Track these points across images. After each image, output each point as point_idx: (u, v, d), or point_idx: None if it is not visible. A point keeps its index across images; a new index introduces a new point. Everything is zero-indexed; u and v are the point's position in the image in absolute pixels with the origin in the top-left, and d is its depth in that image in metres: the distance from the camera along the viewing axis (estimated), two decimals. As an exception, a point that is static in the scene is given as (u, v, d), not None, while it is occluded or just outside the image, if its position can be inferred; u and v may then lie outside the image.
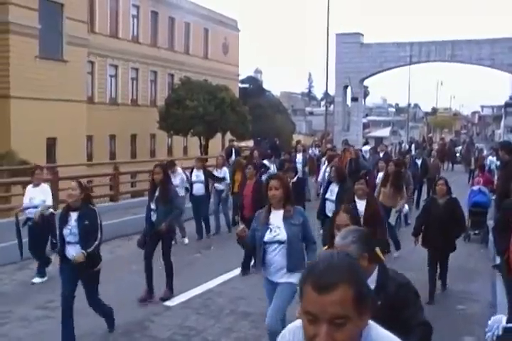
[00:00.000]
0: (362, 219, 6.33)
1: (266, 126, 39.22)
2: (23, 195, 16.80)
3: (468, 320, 6.95)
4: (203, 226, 12.16)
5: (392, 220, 10.16)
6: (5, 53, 25.17)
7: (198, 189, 12.11)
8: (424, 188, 17.44)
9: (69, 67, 27.81)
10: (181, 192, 11.27)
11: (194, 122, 30.64)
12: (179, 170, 12.09)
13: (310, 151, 22.29)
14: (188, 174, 12.63)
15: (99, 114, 31.01)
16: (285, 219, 5.16)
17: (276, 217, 5.20)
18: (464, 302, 7.36)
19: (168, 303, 7.25)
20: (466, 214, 10.61)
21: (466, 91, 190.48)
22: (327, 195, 9.06)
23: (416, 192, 16.62)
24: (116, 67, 34.63)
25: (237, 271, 9.06)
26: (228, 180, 12.68)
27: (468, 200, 12.11)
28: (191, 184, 12.25)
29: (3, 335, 6.09)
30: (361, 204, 7.36)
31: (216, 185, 12.88)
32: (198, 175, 12.36)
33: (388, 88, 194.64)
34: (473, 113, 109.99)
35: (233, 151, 18.69)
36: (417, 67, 45.04)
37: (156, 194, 7.78)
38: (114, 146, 33.99)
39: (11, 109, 25.25)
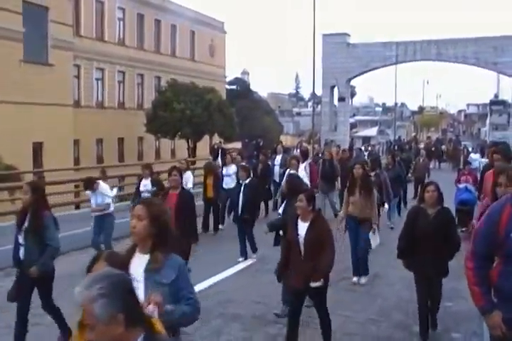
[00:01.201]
0: (303, 247, 5.62)
1: (253, 127, 39.28)
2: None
3: (456, 317, 6.99)
4: None
5: (373, 241, 8.55)
6: (-10, 57, 24.96)
7: None
8: (411, 188, 17.32)
9: (55, 70, 27.64)
10: None
11: (181, 124, 30.59)
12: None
13: (294, 152, 21.80)
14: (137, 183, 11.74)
15: (86, 117, 30.86)
16: (147, 271, 3.32)
17: (137, 265, 3.35)
18: (452, 299, 7.39)
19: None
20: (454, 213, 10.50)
21: (452, 89, 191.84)
22: (279, 210, 8.05)
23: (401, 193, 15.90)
24: (102, 70, 34.50)
25: (225, 273, 9.06)
26: (189, 186, 11.93)
27: (454, 198, 12.20)
28: (139, 194, 11.00)
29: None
30: (303, 227, 5.69)
31: None
32: (145, 184, 10.94)
33: (375, 88, 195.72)
34: (459, 111, 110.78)
35: (219, 152, 18.65)
36: (404, 67, 45.33)
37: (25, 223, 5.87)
38: (101, 150, 33.84)
39: (-4, 113, 25.01)
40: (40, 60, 27.28)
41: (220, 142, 23.09)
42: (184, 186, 10.86)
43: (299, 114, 76.45)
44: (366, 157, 20.64)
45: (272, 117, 48.73)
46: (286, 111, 76.25)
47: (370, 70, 40.75)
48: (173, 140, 34.64)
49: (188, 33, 42.58)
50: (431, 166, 30.28)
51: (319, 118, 39.56)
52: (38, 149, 27.11)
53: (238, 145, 36.10)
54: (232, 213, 10.63)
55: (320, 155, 18.50)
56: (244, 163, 14.04)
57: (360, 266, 8.64)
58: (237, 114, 34.19)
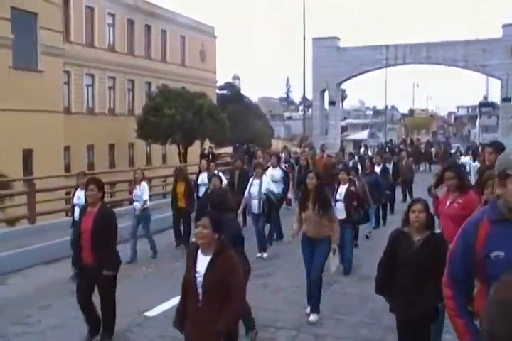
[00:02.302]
0: (201, 289, 4.13)
1: (245, 131, 39.34)
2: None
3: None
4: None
5: (333, 264, 7.57)
6: (-22, 64, 24.90)
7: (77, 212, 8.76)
8: (398, 192, 17.24)
9: (44, 77, 27.57)
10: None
11: (172, 130, 30.57)
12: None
13: (282, 156, 20.10)
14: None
15: (77, 124, 30.77)
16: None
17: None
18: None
19: (148, 314, 7.20)
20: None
21: (443, 92, 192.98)
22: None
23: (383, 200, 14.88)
24: (92, 76, 34.45)
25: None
26: (145, 198, 10.81)
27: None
28: (73, 206, 9.68)
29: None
30: (203, 261, 4.27)
31: (135, 204, 10.93)
32: (79, 196, 9.17)
33: (365, 91, 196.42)
34: (450, 113, 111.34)
35: (210, 157, 18.66)
36: (394, 70, 45.47)
37: None
38: (92, 156, 33.75)
39: (-15, 120, 24.94)
40: (30, 66, 27.20)
41: (211, 147, 23.04)
42: (136, 199, 10.83)
43: (290, 118, 76.66)
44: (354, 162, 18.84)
45: (263, 121, 48.81)
46: (277, 116, 76.40)
47: (360, 74, 40.98)
48: (164, 145, 34.60)
49: (178, 38, 42.60)
50: (421, 169, 30.47)
51: (310, 122, 39.71)
52: (28, 156, 26.98)
53: (229, 149, 36.12)
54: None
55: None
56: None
57: (312, 297, 7.08)
58: (228, 119, 34.21)
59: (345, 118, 67.47)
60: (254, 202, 10.80)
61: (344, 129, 56.84)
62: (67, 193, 17.21)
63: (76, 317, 5.50)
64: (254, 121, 44.17)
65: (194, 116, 30.90)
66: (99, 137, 32.80)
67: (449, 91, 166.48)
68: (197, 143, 33.85)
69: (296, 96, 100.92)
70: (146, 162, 36.68)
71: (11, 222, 14.85)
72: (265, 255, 10.60)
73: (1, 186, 18.29)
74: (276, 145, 42.55)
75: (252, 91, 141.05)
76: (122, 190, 17.88)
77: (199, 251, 4.24)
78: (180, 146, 33.07)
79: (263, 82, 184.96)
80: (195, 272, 4.17)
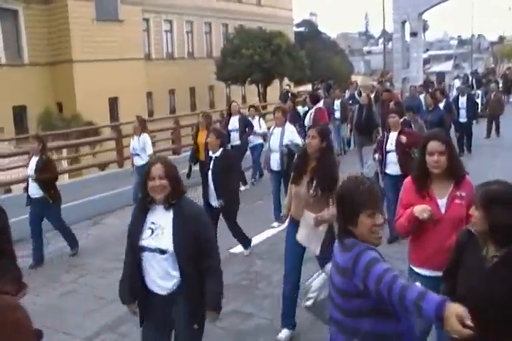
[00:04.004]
0: None
1: (323, 69, 38.57)
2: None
3: None
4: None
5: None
6: (65, 19, 25.90)
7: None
8: (479, 130, 15.50)
9: (125, 26, 28.14)
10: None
11: (251, 70, 30.57)
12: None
13: (347, 94, 18.14)
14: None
15: (157, 69, 31.41)
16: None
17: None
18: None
19: (233, 250, 7.50)
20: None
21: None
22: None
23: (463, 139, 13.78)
24: (170, 22, 34.69)
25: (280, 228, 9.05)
26: (149, 152, 9.51)
27: None
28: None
29: (84, 284, 6.60)
30: None
31: (136, 158, 9.61)
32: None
33: (449, 20, 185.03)
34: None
35: (289, 96, 18.50)
36: (481, -6, 42.44)
37: None
38: (173, 100, 34.52)
39: (73, 73, 26.05)
40: (111, 17, 27.78)
41: (289, 86, 22.88)
42: (135, 153, 9.49)
43: (369, 52, 74.12)
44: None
45: (342, 57, 47.56)
46: (357, 51, 74.08)
47: (443, 1, 38.62)
48: (243, 86, 34.74)
49: (253, -23, 41.72)
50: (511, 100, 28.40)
51: (391, 56, 38.30)
52: (113, 103, 28.06)
53: (309, 87, 35.73)
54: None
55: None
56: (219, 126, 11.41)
57: (286, 311, 4.99)
58: (306, 57, 33.68)
59: (427, 50, 64.36)
60: (274, 157, 8.48)
61: (426, 61, 54.32)
62: (152, 137, 17.89)
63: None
64: (333, 58, 43.14)
65: (272, 56, 30.67)
66: (180, 81, 33.36)
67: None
68: (276, 82, 33.72)
69: (376, 30, 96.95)
70: (226, 103, 37.06)
71: (102, 166, 15.68)
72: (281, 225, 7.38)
73: (91, 133, 19.28)
74: (357, 80, 41.57)
75: (330, 28, 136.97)
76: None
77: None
78: (260, 86, 33.08)
79: (341, 17, 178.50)
80: None
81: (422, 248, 3.62)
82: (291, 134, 8.56)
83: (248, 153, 11.59)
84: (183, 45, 35.92)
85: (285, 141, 8.39)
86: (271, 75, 31.60)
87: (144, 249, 3.31)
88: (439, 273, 3.14)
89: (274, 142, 8.53)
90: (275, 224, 8.39)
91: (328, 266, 2.89)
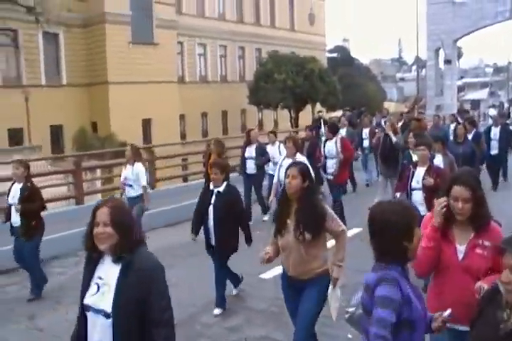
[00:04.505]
0: None
1: (356, 95, 38.63)
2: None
3: None
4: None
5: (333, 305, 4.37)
6: (102, 42, 26.64)
7: None
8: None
9: (160, 49, 28.71)
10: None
11: (283, 95, 30.75)
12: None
13: (374, 121, 17.47)
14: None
15: (191, 92, 31.82)
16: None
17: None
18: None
19: (263, 276, 7.44)
20: None
21: None
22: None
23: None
24: (204, 45, 35.24)
25: (331, 242, 9.05)
26: (143, 183, 8.52)
27: None
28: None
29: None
30: None
31: (127, 189, 8.56)
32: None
33: (485, 47, 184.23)
34: None
35: (322, 122, 18.40)
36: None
37: None
38: (206, 124, 34.84)
39: (109, 94, 26.62)
40: (147, 40, 28.44)
41: (321, 111, 22.91)
42: (128, 183, 8.43)
43: (402, 79, 74.03)
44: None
45: (375, 84, 47.62)
46: (389, 77, 74.05)
47: (479, 29, 38.48)
48: (275, 111, 34.91)
49: (286, 3, 42.29)
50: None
51: (424, 83, 38.19)
52: (147, 125, 28.46)
53: (341, 114, 35.67)
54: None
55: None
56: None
57: None
58: (339, 82, 33.81)
59: (461, 78, 63.88)
60: None
61: (461, 89, 53.86)
62: (184, 160, 18.06)
63: (197, 278, 5.87)
64: (366, 84, 43.21)
65: (305, 81, 30.84)
66: (212, 104, 33.72)
67: None
68: (308, 107, 33.82)
69: (409, 57, 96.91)
70: (258, 127, 37.26)
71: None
72: None
73: (124, 154, 19.48)
74: (389, 107, 41.45)
75: (363, 54, 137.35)
76: (235, 156, 18.37)
77: None
78: (292, 111, 33.19)
79: (374, 43, 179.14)
80: None
81: (439, 297, 3.36)
82: None
83: (265, 183, 11.05)
84: (216, 69, 36.39)
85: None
86: (303, 100, 31.73)
87: (88, 307, 2.78)
88: (458, 327, 3.06)
89: (284, 175, 7.58)
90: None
91: None
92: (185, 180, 17.26)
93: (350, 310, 3.07)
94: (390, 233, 2.52)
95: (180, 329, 5.71)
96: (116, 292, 2.66)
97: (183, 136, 30.99)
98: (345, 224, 9.15)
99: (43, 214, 7.04)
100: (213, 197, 6.11)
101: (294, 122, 33.03)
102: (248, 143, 10.67)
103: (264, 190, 10.87)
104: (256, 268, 7.46)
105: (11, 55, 25.89)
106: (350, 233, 9.37)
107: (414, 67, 65.08)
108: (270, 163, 10.64)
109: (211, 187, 6.21)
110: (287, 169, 4.48)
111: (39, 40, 26.18)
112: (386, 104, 42.27)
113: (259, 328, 5.79)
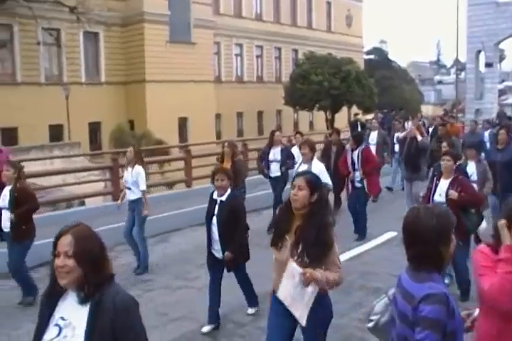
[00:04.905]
0: None
1: (393, 97, 38.27)
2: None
3: None
4: None
5: None
6: (140, 41, 27.00)
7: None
8: None
9: (197, 49, 28.93)
10: None
11: (319, 96, 30.61)
12: None
13: (406, 126, 15.51)
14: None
15: (227, 92, 31.96)
16: None
17: None
18: None
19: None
20: None
21: None
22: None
23: None
24: (241, 45, 35.36)
25: (367, 246, 9.02)
26: (142, 187, 7.88)
27: None
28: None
29: (148, 300, 6.65)
30: None
31: (128, 192, 8.01)
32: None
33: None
34: None
35: (358, 125, 18.27)
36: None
37: None
38: (241, 123, 34.95)
39: (146, 92, 26.94)
40: (184, 39, 28.69)
41: (357, 114, 22.67)
42: (128, 186, 7.92)
43: (440, 82, 72.92)
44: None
45: (412, 86, 47.08)
46: (427, 80, 73.05)
47: (521, 31, 37.56)
48: (311, 112, 34.82)
49: (324, 4, 42.14)
50: None
51: (463, 86, 37.53)
52: (183, 124, 28.70)
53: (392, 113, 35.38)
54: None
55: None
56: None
57: None
58: (376, 84, 33.49)
59: (503, 81, 62.51)
60: None
61: (502, 93, 52.66)
62: (218, 159, 18.08)
63: (229, 277, 5.85)
64: (403, 86, 42.76)
65: (341, 83, 30.64)
66: (248, 105, 33.81)
67: None
68: (344, 109, 33.62)
69: (448, 59, 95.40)
70: (293, 128, 37.20)
71: (170, 185, 15.93)
72: None
73: (160, 152, 19.69)
74: (427, 111, 40.93)
75: (401, 56, 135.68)
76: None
77: None
78: (328, 113, 33.05)
79: (412, 45, 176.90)
80: None
81: None
82: (318, 173, 6.57)
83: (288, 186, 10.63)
84: (253, 69, 36.48)
85: None
86: (339, 102, 31.53)
87: None
88: None
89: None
90: None
91: (391, 291, 2.79)
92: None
93: (374, 317, 2.95)
94: (426, 237, 2.47)
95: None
96: (87, 338, 2.23)
97: (218, 135, 31.14)
98: (365, 233, 9.33)
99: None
100: (216, 207, 5.64)
101: (330, 124, 32.85)
102: (271, 145, 10.27)
103: (285, 193, 10.61)
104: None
105: (53, 54, 26.47)
106: (383, 238, 9.49)
107: (453, 70, 64.06)
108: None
109: (215, 196, 5.71)
110: (293, 179, 3.80)
111: (80, 39, 26.67)
112: (423, 107, 41.75)
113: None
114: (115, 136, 24.41)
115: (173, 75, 27.19)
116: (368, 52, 49.44)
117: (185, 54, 28.27)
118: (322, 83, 30.24)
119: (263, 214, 10.77)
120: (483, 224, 6.21)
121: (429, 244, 2.46)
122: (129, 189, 7.89)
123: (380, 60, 48.02)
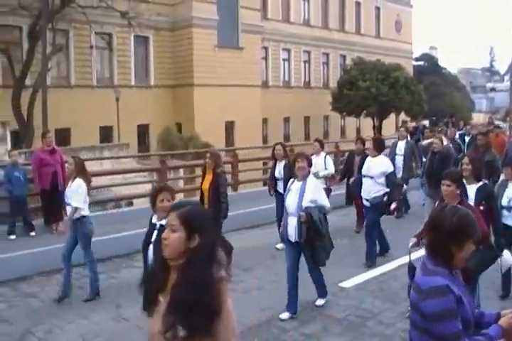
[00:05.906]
0: None
1: (442, 104, 37.61)
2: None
3: None
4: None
5: None
6: (189, 45, 27.41)
7: None
8: None
9: (244, 53, 29.12)
10: None
11: (367, 103, 30.38)
12: None
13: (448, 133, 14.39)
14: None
15: (274, 97, 32.03)
16: None
17: None
18: None
19: (343, 284, 7.34)
20: None
21: None
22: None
23: None
24: (288, 51, 35.39)
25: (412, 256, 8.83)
26: (75, 204, 6.71)
27: None
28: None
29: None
30: None
31: (67, 208, 7.08)
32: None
33: None
34: None
35: (417, 132, 17.04)
36: None
37: None
38: (288, 128, 34.95)
39: (194, 96, 27.29)
40: (232, 44, 28.95)
41: (405, 121, 22.34)
42: (68, 202, 6.88)
43: (493, 89, 71.25)
44: None
45: (463, 94, 46.15)
46: (479, 87, 71.53)
47: None
48: (358, 118, 34.55)
49: (372, 10, 41.82)
50: None
51: (517, 94, 36.52)
52: (229, 128, 28.90)
53: (426, 123, 34.82)
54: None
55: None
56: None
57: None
58: (425, 91, 33.01)
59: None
60: (291, 222, 6.10)
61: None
62: (264, 164, 18.12)
63: (275, 282, 5.82)
64: (453, 94, 41.98)
65: (389, 89, 30.34)
66: (295, 110, 33.78)
67: None
68: (392, 116, 33.24)
69: (502, 66, 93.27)
70: (340, 134, 37.00)
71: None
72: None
73: (205, 155, 19.80)
74: (478, 119, 39.99)
75: (451, 62, 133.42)
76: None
77: None
78: (375, 119, 32.72)
79: (463, 52, 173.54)
80: None
81: None
82: (314, 192, 6.03)
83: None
84: (300, 74, 36.45)
85: (305, 202, 5.96)
86: (387, 109, 31.20)
87: None
88: None
89: (291, 202, 6.08)
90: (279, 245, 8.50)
91: None
92: (265, 184, 17.28)
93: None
94: (440, 230, 2.56)
95: (257, 331, 5.79)
96: None
97: (264, 139, 31.23)
98: (388, 249, 8.70)
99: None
100: (155, 232, 4.64)
101: (377, 130, 32.53)
102: (275, 159, 9.24)
103: None
104: (337, 277, 7.39)
105: (105, 57, 27.16)
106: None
107: (507, 77, 62.47)
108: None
109: (154, 219, 4.81)
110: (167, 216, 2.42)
111: (131, 43, 27.28)
112: (474, 115, 40.86)
113: (336, 337, 5.70)
114: (163, 138, 24.80)
115: (221, 79, 27.44)
116: (418, 59, 48.77)
117: (233, 58, 28.50)
118: (370, 89, 30.00)
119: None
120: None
121: (440, 237, 2.55)
122: (69, 205, 6.80)
123: (429, 67, 47.32)
